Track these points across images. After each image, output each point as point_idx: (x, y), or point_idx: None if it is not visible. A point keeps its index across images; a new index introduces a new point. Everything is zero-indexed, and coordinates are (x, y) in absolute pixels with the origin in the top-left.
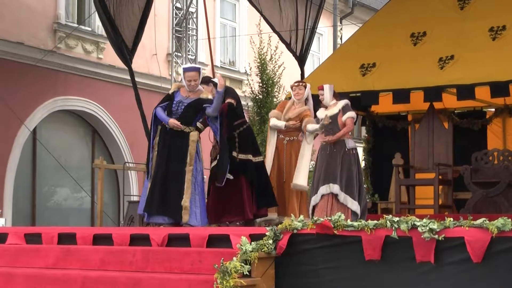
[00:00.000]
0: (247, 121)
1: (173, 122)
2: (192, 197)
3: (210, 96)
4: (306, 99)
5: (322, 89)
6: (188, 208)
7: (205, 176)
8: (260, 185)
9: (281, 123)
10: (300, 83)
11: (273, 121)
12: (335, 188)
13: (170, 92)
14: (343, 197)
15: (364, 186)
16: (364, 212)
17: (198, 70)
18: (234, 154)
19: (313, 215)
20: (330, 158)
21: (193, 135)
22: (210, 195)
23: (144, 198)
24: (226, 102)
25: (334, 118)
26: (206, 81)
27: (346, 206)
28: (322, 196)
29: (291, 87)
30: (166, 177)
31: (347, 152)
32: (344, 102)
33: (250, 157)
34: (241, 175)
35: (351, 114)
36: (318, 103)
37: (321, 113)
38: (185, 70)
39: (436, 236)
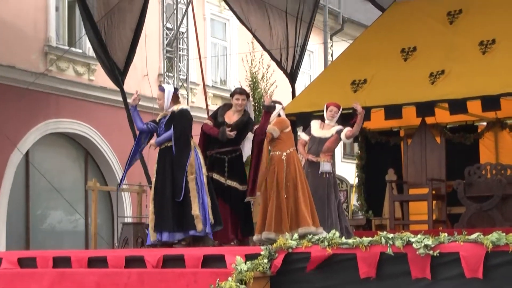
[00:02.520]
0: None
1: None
2: (202, 207)
3: (181, 107)
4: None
5: (338, 107)
6: (199, 217)
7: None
8: (246, 214)
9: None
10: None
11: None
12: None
13: (157, 119)
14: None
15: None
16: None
17: (162, 90)
18: (222, 179)
19: None
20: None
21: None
22: None
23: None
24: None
25: (324, 140)
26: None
27: None
28: None
29: None
30: (167, 190)
31: (319, 175)
32: (339, 127)
33: (236, 184)
34: (227, 201)
35: (348, 141)
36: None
37: (315, 126)
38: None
39: (431, 252)
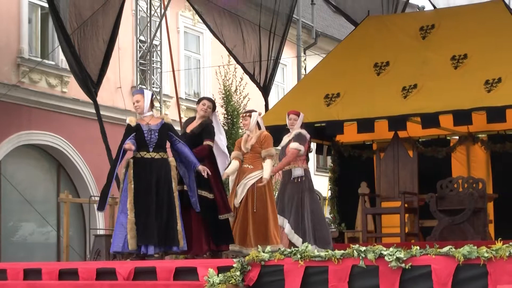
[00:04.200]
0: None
1: (128, 146)
2: (181, 223)
3: (170, 120)
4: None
5: (297, 114)
6: (181, 233)
7: None
8: (218, 223)
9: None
10: (245, 114)
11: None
12: (286, 228)
13: (133, 125)
14: (291, 237)
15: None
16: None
17: (141, 92)
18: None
19: None
20: (282, 189)
21: (173, 160)
22: None
23: (121, 235)
24: (205, 144)
25: (284, 147)
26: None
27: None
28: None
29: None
30: (152, 206)
31: (292, 180)
32: (297, 131)
33: (206, 194)
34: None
35: (295, 145)
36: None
37: (284, 140)
38: (133, 93)
39: (403, 265)
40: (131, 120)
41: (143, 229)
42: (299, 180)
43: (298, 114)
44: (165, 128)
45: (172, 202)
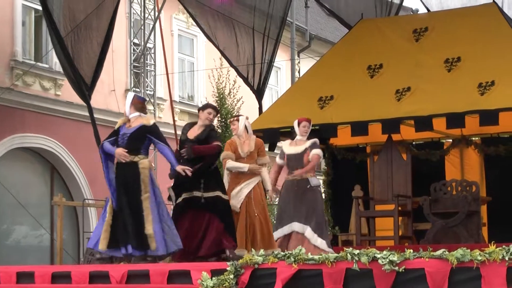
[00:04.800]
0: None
1: (119, 151)
2: (159, 225)
3: (152, 122)
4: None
5: (309, 121)
6: (152, 236)
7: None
8: (230, 224)
9: (243, 166)
10: (233, 119)
11: (231, 164)
12: (307, 231)
13: (116, 127)
14: (315, 240)
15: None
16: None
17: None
18: (198, 194)
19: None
20: (295, 197)
21: (143, 162)
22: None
23: (97, 232)
24: (215, 144)
25: (300, 155)
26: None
27: (318, 247)
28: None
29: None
30: (124, 209)
31: (309, 188)
32: (313, 140)
33: (220, 194)
34: (209, 211)
35: (318, 151)
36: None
37: (286, 147)
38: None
39: (397, 268)
40: (118, 122)
41: (114, 232)
42: (318, 189)
43: (309, 121)
44: (141, 131)
45: (139, 206)
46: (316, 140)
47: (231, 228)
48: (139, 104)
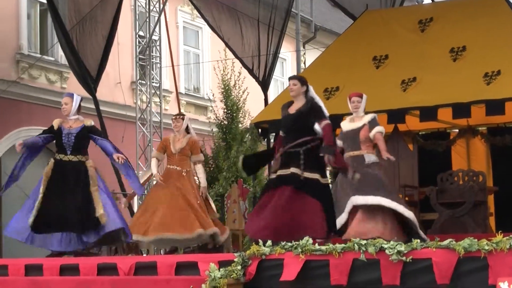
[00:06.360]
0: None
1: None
2: (109, 208)
3: (90, 121)
4: (188, 129)
5: (359, 96)
6: (104, 214)
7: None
8: (329, 208)
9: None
10: (178, 117)
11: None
12: (382, 201)
13: (55, 127)
14: (395, 205)
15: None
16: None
17: (71, 96)
18: (298, 171)
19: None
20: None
21: (90, 162)
22: (263, 207)
23: (18, 221)
24: (325, 123)
25: (356, 131)
26: None
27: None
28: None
29: (172, 120)
30: (64, 200)
31: (367, 166)
32: (371, 115)
33: (318, 177)
34: (309, 194)
35: (380, 128)
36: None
37: (344, 124)
38: (63, 95)
39: (404, 258)
40: (55, 122)
41: (43, 218)
42: (376, 165)
43: (361, 96)
44: (85, 131)
45: (89, 199)
46: (374, 115)
47: (327, 215)
48: (80, 108)
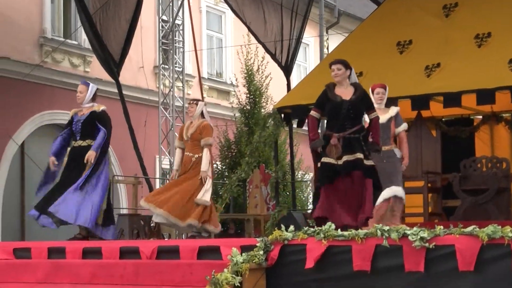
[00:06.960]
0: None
1: (50, 161)
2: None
3: (102, 108)
4: (203, 115)
5: (383, 87)
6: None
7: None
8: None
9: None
10: (192, 102)
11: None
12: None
13: (70, 116)
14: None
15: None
16: None
17: (87, 85)
18: (360, 155)
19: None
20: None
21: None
22: (326, 196)
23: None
24: (375, 116)
25: (385, 125)
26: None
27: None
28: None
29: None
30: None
31: (398, 159)
32: (396, 109)
33: (372, 163)
34: (372, 179)
35: (405, 126)
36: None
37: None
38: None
39: (427, 244)
40: (71, 112)
41: (46, 199)
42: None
43: (384, 87)
44: (92, 117)
45: (97, 183)
46: (398, 109)
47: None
48: (96, 96)
